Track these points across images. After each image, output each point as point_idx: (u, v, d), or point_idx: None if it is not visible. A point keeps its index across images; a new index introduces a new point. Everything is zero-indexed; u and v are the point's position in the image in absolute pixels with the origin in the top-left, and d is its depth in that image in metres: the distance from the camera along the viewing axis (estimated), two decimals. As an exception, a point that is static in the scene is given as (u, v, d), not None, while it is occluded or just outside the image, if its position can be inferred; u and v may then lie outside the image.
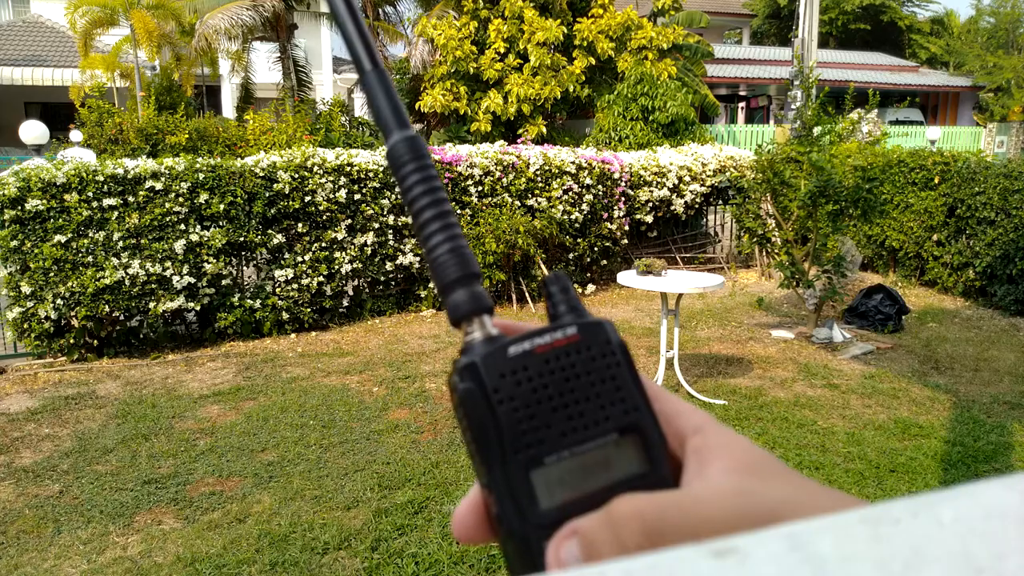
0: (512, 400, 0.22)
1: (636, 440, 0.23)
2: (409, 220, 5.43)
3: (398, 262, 5.43)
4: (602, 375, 0.23)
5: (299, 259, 5.02)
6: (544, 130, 10.96)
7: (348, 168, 5.19)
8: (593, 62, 11.08)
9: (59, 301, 4.29)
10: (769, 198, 5.83)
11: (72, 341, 4.44)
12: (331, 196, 5.10)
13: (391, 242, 5.41)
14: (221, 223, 4.72)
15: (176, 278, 4.53)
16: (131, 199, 4.47)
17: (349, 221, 5.21)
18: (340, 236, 5.14)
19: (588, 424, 0.22)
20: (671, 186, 6.87)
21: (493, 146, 5.97)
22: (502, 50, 10.94)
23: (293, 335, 5.04)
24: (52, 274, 4.28)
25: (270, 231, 4.95)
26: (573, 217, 6.07)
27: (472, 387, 0.22)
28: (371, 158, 5.31)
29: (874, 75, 17.83)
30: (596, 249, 6.38)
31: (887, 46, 22.01)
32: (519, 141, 6.72)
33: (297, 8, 13.19)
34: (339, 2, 0.25)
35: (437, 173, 0.25)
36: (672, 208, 6.98)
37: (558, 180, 6.00)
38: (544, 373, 0.23)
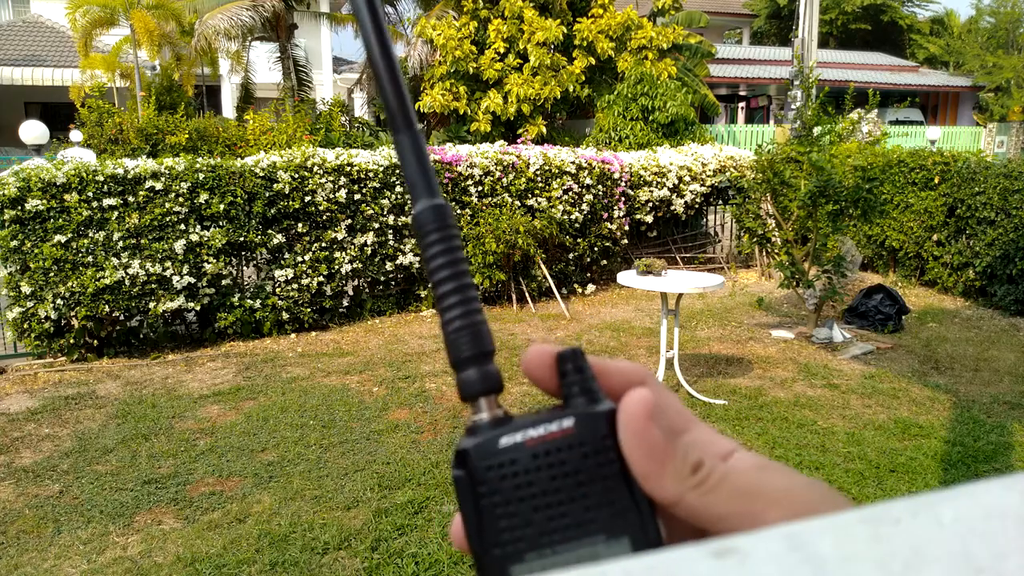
0: (494, 495, 0.22)
1: (626, 544, 0.22)
2: (403, 224, 5.43)
3: (398, 262, 5.43)
4: (592, 474, 0.22)
5: (299, 259, 5.02)
6: (544, 130, 10.96)
7: (348, 168, 5.18)
8: (593, 62, 11.08)
9: (59, 301, 4.29)
10: (769, 198, 5.83)
11: (72, 341, 4.44)
12: (331, 196, 5.10)
13: (391, 242, 5.41)
14: (221, 223, 4.72)
15: (176, 278, 4.53)
16: (131, 199, 4.47)
17: (349, 221, 5.21)
18: (340, 236, 5.14)
19: (573, 525, 0.22)
20: (671, 186, 6.87)
21: (493, 146, 5.97)
22: (502, 50, 10.94)
23: (293, 335, 5.04)
24: (52, 274, 4.28)
25: (270, 231, 4.95)
26: (573, 217, 6.07)
27: (461, 476, 0.22)
28: (371, 158, 5.31)
29: (874, 75, 17.83)
30: (596, 249, 6.38)
31: (887, 46, 22.01)
32: (519, 141, 6.72)
33: (297, 8, 13.18)
34: (380, 63, 0.25)
35: (461, 244, 0.25)
36: (672, 208, 6.98)
37: (558, 180, 6.00)
38: (531, 469, 0.22)
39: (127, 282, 4.40)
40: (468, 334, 0.24)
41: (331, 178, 5.10)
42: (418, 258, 5.54)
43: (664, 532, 0.22)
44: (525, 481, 0.22)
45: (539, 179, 5.92)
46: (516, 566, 0.21)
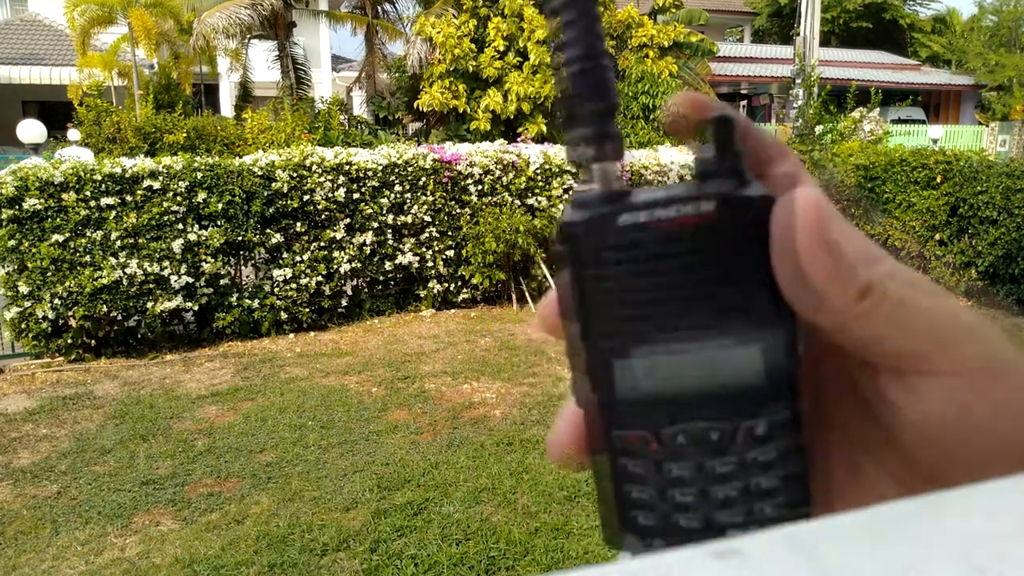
0: (607, 281, 0.19)
1: (755, 354, 0.19)
2: (402, 223, 5.41)
3: (397, 262, 5.41)
4: (729, 272, 0.18)
5: (297, 258, 5.01)
6: (544, 129, 10.93)
7: (347, 167, 5.16)
8: (593, 60, 11.04)
9: (57, 301, 4.27)
10: (770, 197, 5.81)
11: (70, 341, 4.42)
12: (330, 195, 5.08)
13: (390, 241, 5.39)
14: (219, 222, 4.70)
15: (174, 278, 4.51)
16: (129, 198, 4.45)
17: (348, 220, 5.19)
18: (339, 235, 5.12)
19: (696, 326, 0.19)
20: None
21: (493, 145, 5.95)
22: (501, 48, 10.91)
23: (291, 335, 5.02)
24: (50, 274, 4.26)
25: (268, 230, 4.93)
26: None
27: (565, 253, 0.19)
28: (370, 157, 5.29)
29: (876, 73, 17.81)
30: (596, 248, 6.36)
31: (889, 44, 21.97)
32: (519, 140, 6.70)
33: (296, 6, 13.16)
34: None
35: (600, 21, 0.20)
36: (673, 207, 6.95)
37: (558, 179, 5.98)
38: (654, 256, 0.18)
39: (125, 282, 4.39)
40: (589, 80, 0.19)
41: (330, 177, 5.08)
42: (417, 257, 5.52)
43: (802, 344, 0.19)
44: (647, 269, 0.18)
45: (539, 178, 5.90)
46: (621, 360, 0.19)
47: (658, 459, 0.19)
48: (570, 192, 6.07)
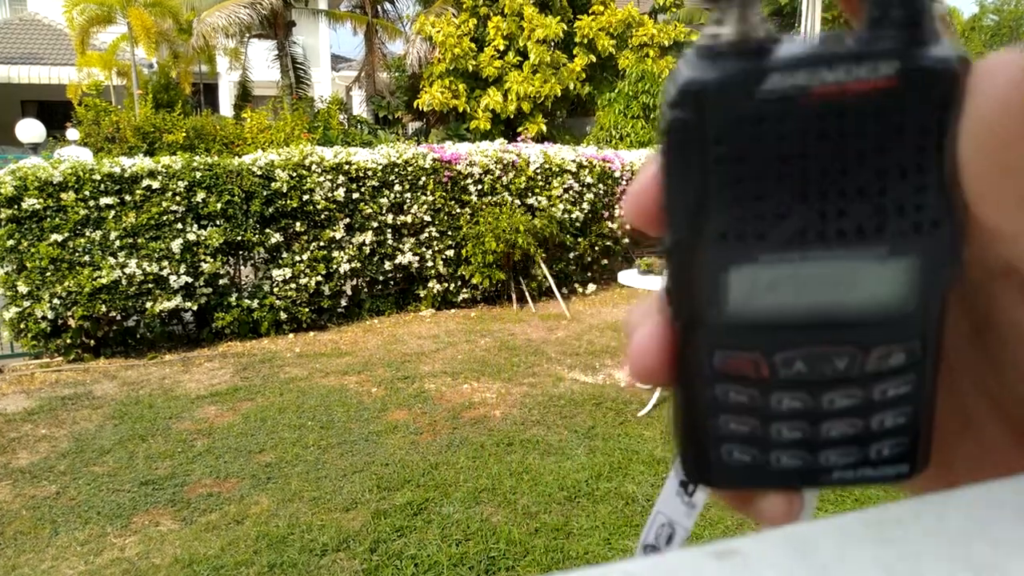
0: (741, 162, 0.14)
1: (910, 267, 0.15)
2: (402, 223, 5.40)
3: (397, 261, 5.41)
4: (902, 161, 0.14)
5: (297, 258, 5.00)
6: (544, 128, 10.93)
7: (346, 167, 5.16)
8: (594, 59, 11.05)
9: (56, 301, 4.27)
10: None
11: (69, 341, 4.42)
12: (329, 195, 5.08)
13: (390, 241, 5.39)
14: (218, 222, 4.70)
15: (173, 278, 4.51)
16: (128, 198, 4.45)
17: (347, 220, 5.19)
18: (338, 235, 5.12)
19: (847, 225, 0.14)
20: (671, 184, 6.86)
21: (493, 144, 5.95)
22: (501, 47, 10.90)
23: (291, 335, 5.02)
24: (49, 274, 4.26)
25: (268, 230, 4.93)
26: (574, 216, 6.05)
27: (685, 121, 0.14)
28: (369, 157, 5.28)
29: (874, 73, 17.81)
30: (597, 248, 6.36)
31: (888, 43, 21.98)
32: (519, 139, 6.70)
33: (295, 5, 13.14)
34: None
35: None
36: (672, 206, 6.96)
37: (558, 179, 5.98)
38: (810, 132, 0.14)
39: (124, 282, 4.38)
40: None
41: (329, 177, 5.08)
42: (417, 257, 5.51)
43: (959, 271, 0.15)
44: (798, 149, 0.14)
45: (539, 178, 5.90)
46: (742, 267, 0.15)
47: (768, 387, 0.16)
48: (570, 191, 6.07)
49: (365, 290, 5.51)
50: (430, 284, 5.59)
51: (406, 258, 5.43)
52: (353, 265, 5.20)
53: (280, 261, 5.00)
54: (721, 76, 0.14)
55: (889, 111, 0.14)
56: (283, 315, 4.96)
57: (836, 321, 0.15)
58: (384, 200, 5.30)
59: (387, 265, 5.39)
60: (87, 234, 4.35)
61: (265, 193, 4.86)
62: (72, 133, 8.85)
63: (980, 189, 0.14)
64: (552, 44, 11.01)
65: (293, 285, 4.99)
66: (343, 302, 5.32)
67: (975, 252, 0.15)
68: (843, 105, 0.14)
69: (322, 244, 5.09)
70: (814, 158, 0.14)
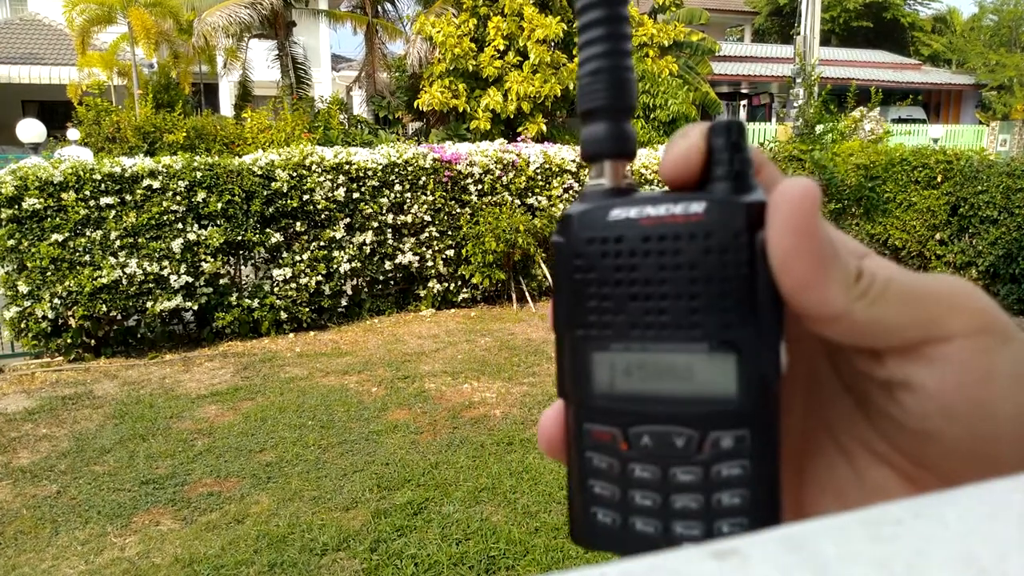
0: (591, 271, 0.19)
1: (732, 360, 0.18)
2: (402, 223, 5.40)
3: (397, 261, 5.41)
4: (711, 274, 0.18)
5: (297, 258, 5.00)
6: (544, 128, 10.93)
7: (347, 167, 5.16)
8: (593, 59, 11.03)
9: (56, 300, 4.27)
10: (770, 196, 5.81)
11: (69, 341, 4.42)
12: (329, 195, 5.08)
13: (390, 241, 5.39)
14: (219, 222, 4.70)
15: (174, 277, 4.51)
16: (128, 198, 4.45)
17: (348, 220, 5.19)
18: (339, 235, 5.12)
19: (673, 325, 0.19)
20: (672, 184, 6.85)
21: (493, 144, 5.95)
22: (501, 47, 10.90)
23: (291, 335, 5.02)
24: (49, 273, 4.26)
25: (268, 230, 4.93)
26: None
27: (560, 243, 0.20)
28: (370, 156, 5.28)
29: (876, 73, 17.80)
30: (596, 247, 6.36)
31: (889, 44, 21.96)
32: (519, 139, 6.69)
33: (296, 5, 13.15)
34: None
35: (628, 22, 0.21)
36: (673, 206, 6.95)
37: (558, 178, 5.98)
38: (638, 251, 0.19)
39: (124, 281, 4.38)
40: (605, 82, 0.20)
41: (329, 177, 5.08)
42: (417, 257, 5.51)
43: (786, 360, 0.18)
44: (628, 264, 0.19)
45: (539, 177, 5.90)
46: (600, 354, 0.19)
47: (624, 458, 0.19)
48: (570, 192, 6.07)
49: (365, 290, 5.51)
50: (430, 284, 5.59)
51: (406, 258, 5.43)
52: (353, 265, 5.21)
53: (280, 261, 5.00)
54: (583, 209, 0.20)
55: (698, 237, 0.18)
56: (283, 315, 4.96)
57: (677, 404, 0.19)
58: (384, 200, 5.30)
59: (387, 265, 5.39)
60: (88, 234, 4.36)
61: (265, 193, 4.87)
62: (73, 133, 8.85)
63: (787, 281, 0.17)
64: (552, 44, 11.01)
65: (293, 285, 4.99)
66: (343, 302, 5.32)
67: (809, 333, 0.18)
68: (663, 231, 0.19)
69: (322, 244, 5.09)
70: (641, 269, 0.19)
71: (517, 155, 5.82)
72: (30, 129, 7.63)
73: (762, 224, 0.18)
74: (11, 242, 4.21)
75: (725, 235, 0.18)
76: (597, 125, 0.20)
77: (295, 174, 4.96)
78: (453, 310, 5.68)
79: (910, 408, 0.18)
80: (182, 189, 4.56)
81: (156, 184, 4.50)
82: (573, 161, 6.10)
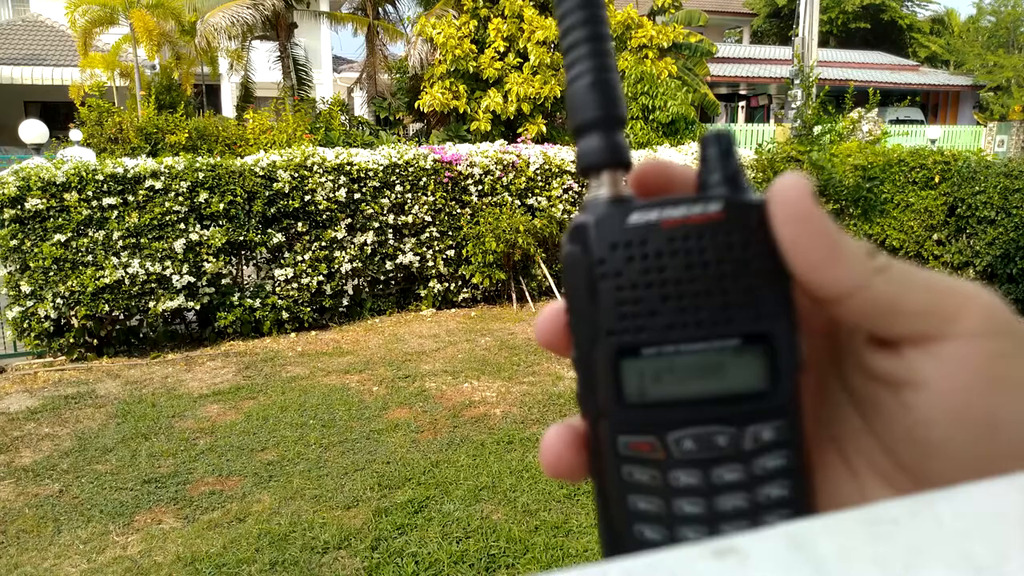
0: (618, 276, 0.19)
1: (762, 353, 0.19)
2: (403, 223, 5.42)
3: (398, 261, 5.43)
4: (738, 268, 0.19)
5: (299, 258, 5.02)
6: (544, 129, 10.95)
7: (348, 167, 5.18)
8: (593, 61, 11.04)
9: (59, 300, 4.28)
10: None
11: (72, 340, 4.43)
12: (331, 195, 5.10)
13: (391, 241, 5.41)
14: (221, 222, 4.72)
15: (176, 277, 4.53)
16: (131, 198, 4.47)
17: (349, 220, 5.21)
18: (340, 235, 5.14)
19: (706, 321, 0.19)
20: (671, 185, 6.87)
21: (493, 145, 5.97)
22: (502, 49, 10.92)
23: (293, 334, 5.04)
24: (52, 273, 4.28)
25: (270, 230, 4.95)
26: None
27: (576, 252, 0.19)
28: (371, 157, 5.30)
29: (874, 74, 17.83)
30: (596, 248, 6.37)
31: (887, 45, 21.99)
32: (519, 140, 6.71)
33: (297, 7, 13.18)
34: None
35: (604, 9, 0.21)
36: (672, 207, 6.97)
37: (558, 179, 6.00)
38: (664, 253, 0.19)
39: (127, 281, 4.40)
40: (596, 93, 0.20)
41: (331, 177, 5.10)
42: (418, 257, 5.53)
43: (805, 350, 0.19)
44: (656, 265, 0.19)
45: (539, 178, 5.92)
46: (629, 360, 0.19)
47: (665, 467, 0.19)
48: (570, 192, 6.09)
49: (366, 290, 5.53)
50: (431, 284, 5.61)
51: (407, 258, 5.45)
52: (354, 265, 5.22)
53: (282, 261, 5.02)
54: (598, 216, 0.19)
55: (721, 234, 0.19)
56: (285, 314, 4.98)
57: (713, 403, 0.19)
58: (385, 200, 5.32)
59: (388, 265, 5.40)
60: (90, 234, 4.37)
61: (267, 193, 4.89)
62: (75, 134, 8.87)
63: (802, 259, 0.18)
64: (552, 46, 11.03)
65: (295, 285, 5.01)
66: (345, 302, 5.34)
67: (825, 326, 0.19)
68: (687, 231, 0.19)
69: (324, 244, 5.11)
70: (669, 270, 0.19)
71: (517, 156, 5.84)
72: (32, 130, 7.65)
73: (764, 220, 0.19)
74: (14, 242, 4.22)
75: (746, 230, 0.19)
76: (591, 138, 0.20)
77: (297, 175, 4.98)
78: (453, 310, 5.70)
79: (916, 409, 0.17)
80: (184, 190, 4.58)
81: (158, 185, 4.52)
82: (573, 162, 6.12)
